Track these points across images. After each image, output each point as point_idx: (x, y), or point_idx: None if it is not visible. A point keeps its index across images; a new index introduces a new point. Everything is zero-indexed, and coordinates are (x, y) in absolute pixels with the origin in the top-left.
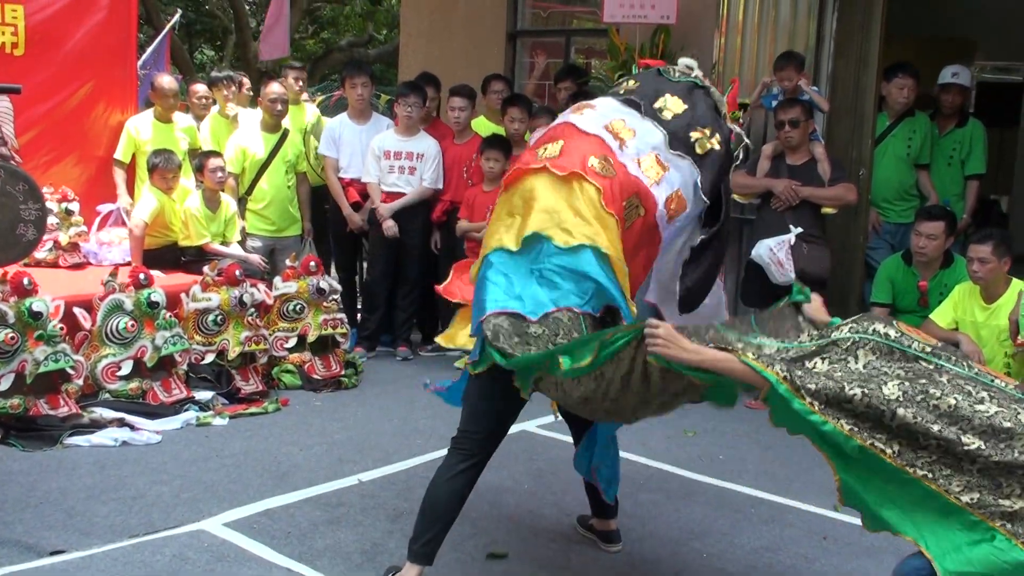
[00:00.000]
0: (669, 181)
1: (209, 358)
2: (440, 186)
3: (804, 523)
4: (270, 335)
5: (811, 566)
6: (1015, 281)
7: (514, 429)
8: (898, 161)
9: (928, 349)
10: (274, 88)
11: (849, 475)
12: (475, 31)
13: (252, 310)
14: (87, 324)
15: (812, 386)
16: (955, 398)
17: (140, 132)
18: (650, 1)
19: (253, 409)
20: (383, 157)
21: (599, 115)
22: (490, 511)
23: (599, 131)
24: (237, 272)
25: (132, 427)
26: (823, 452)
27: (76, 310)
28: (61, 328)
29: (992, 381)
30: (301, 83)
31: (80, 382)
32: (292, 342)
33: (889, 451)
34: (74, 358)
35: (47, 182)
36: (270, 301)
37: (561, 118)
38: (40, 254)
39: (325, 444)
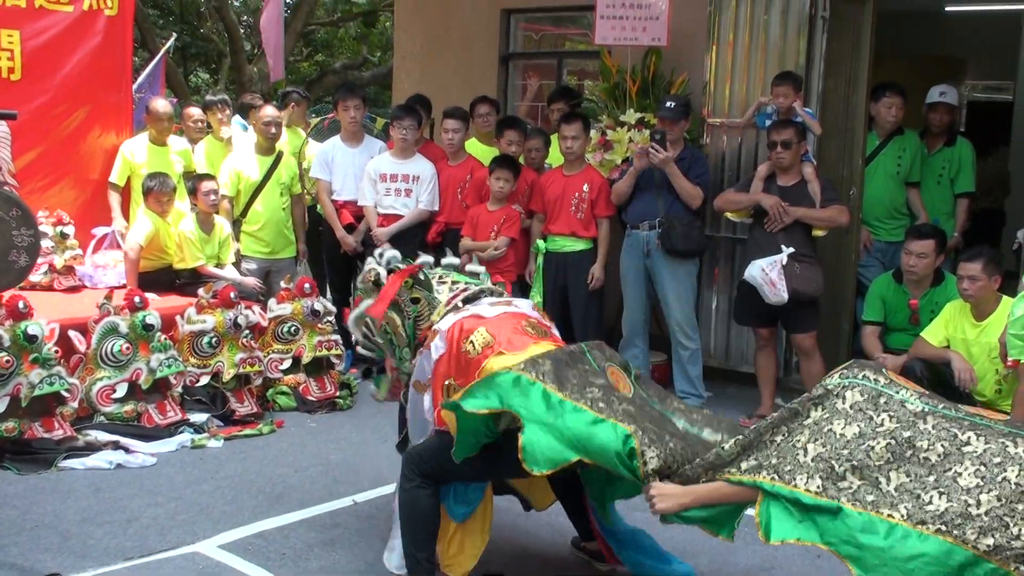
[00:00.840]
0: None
1: (204, 380)
2: (436, 208)
3: None
4: (265, 357)
5: None
6: (1005, 298)
7: None
8: (888, 179)
9: (915, 393)
10: (268, 111)
11: (866, 568)
12: (468, 53)
13: (247, 332)
14: (82, 347)
15: (803, 475)
16: (942, 446)
17: (135, 155)
18: (641, 24)
19: (248, 431)
20: (379, 180)
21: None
22: None
23: (490, 311)
24: (232, 294)
25: (127, 450)
26: (835, 552)
27: (71, 333)
28: (56, 351)
29: (980, 420)
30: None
31: (75, 405)
32: (287, 364)
33: (898, 515)
34: (69, 381)
35: (43, 205)
36: (264, 323)
37: (446, 333)
38: (35, 277)
39: (320, 466)
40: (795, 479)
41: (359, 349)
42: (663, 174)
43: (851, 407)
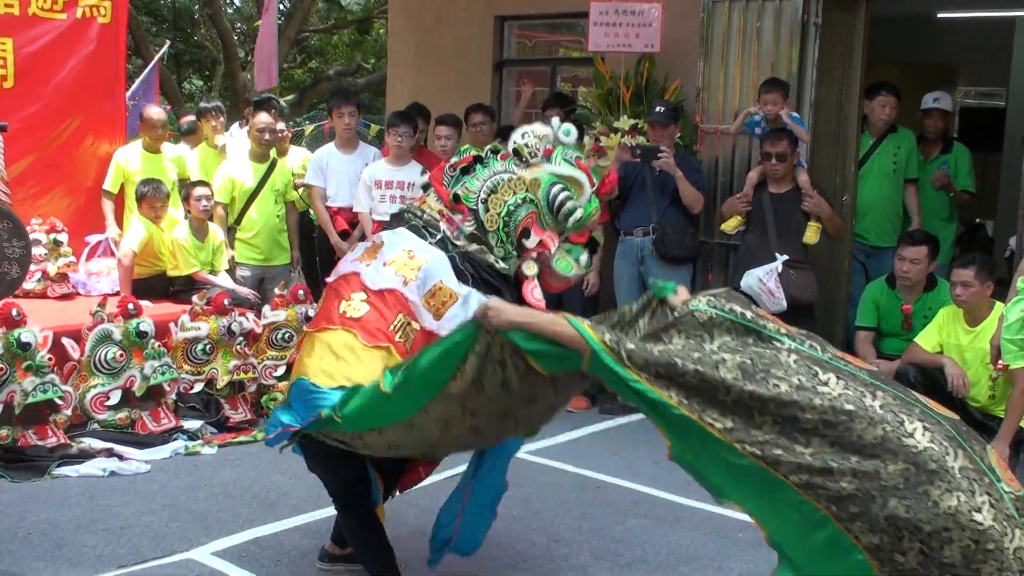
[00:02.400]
0: (426, 274)
1: (198, 387)
2: None
3: None
4: (259, 363)
5: None
6: (998, 304)
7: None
8: (883, 177)
9: (783, 331)
10: (262, 118)
11: (680, 443)
12: (462, 60)
13: (241, 339)
14: (76, 354)
15: (640, 360)
16: (798, 379)
17: (129, 163)
18: (635, 31)
19: (242, 438)
20: (374, 187)
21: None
22: None
23: (389, 283)
24: (226, 301)
25: (121, 457)
26: (652, 418)
27: (65, 340)
28: (49, 359)
29: (845, 366)
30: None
31: (68, 412)
32: (281, 370)
33: (719, 426)
34: (63, 388)
35: (36, 213)
36: (259, 329)
37: (349, 267)
38: (29, 285)
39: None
40: (629, 359)
41: None
42: (656, 180)
43: (717, 347)
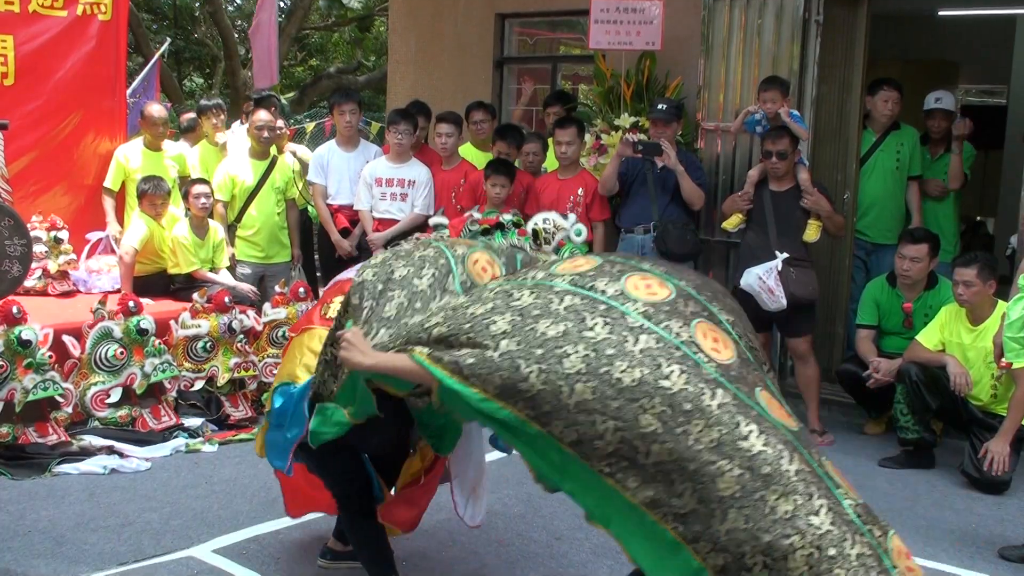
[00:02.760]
0: None
1: (198, 385)
2: (432, 212)
3: None
4: (259, 361)
5: None
6: (1000, 303)
7: (504, 454)
8: (886, 174)
9: (642, 311)
10: (262, 116)
11: (543, 464)
12: (463, 58)
13: (241, 336)
14: (76, 352)
15: (484, 371)
16: (640, 371)
17: (129, 160)
18: (635, 28)
19: (242, 435)
20: (375, 184)
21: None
22: (480, 535)
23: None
24: (226, 299)
25: (121, 454)
26: (513, 445)
27: (65, 338)
28: (50, 356)
29: (695, 354)
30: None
31: (69, 410)
32: None
33: (567, 440)
34: (63, 386)
35: (36, 210)
36: (259, 327)
37: (344, 275)
38: (29, 282)
39: None
40: (473, 374)
41: None
42: (657, 177)
43: (565, 308)
